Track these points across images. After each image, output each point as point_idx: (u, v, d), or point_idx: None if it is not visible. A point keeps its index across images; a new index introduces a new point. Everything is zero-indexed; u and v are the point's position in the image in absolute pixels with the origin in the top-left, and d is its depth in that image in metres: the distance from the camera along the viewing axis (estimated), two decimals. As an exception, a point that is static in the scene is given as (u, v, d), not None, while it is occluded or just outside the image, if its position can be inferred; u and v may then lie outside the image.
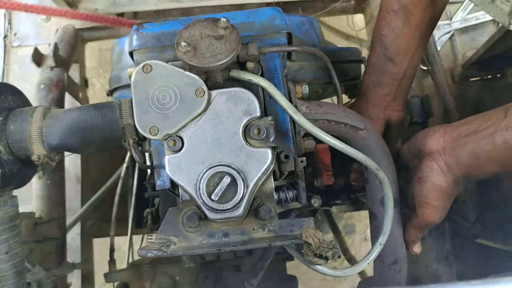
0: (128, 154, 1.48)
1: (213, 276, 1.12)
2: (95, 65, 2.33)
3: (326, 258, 0.74)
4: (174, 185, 0.83)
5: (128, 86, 1.09)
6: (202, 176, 0.70)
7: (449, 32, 1.49)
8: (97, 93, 2.32)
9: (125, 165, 1.43)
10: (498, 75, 1.40)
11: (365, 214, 2.17)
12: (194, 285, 1.12)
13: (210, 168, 0.70)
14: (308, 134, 0.84)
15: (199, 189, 0.70)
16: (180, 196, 0.78)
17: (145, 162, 0.84)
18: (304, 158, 0.81)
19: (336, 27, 1.86)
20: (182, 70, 0.72)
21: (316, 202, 0.96)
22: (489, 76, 1.42)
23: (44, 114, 0.85)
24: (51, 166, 0.88)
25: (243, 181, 0.70)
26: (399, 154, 0.91)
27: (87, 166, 1.51)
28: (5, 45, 1.50)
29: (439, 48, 1.42)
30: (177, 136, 0.71)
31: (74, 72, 1.47)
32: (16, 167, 0.88)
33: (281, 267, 1.20)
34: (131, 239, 1.41)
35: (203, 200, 0.70)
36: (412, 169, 0.87)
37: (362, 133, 0.85)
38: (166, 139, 0.71)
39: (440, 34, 1.48)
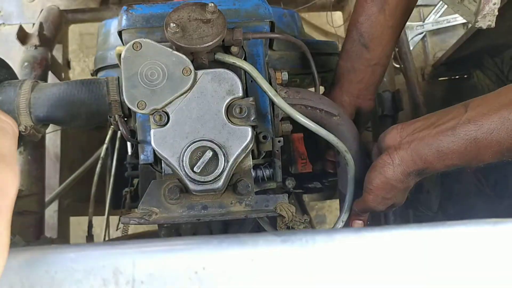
0: (108, 135, 1.50)
1: (189, 254, 1.16)
2: (75, 48, 2.33)
3: (298, 232, 0.79)
4: (156, 160, 0.87)
5: (113, 66, 1.12)
6: (186, 150, 0.74)
7: (422, 33, 1.57)
8: (76, 77, 2.32)
9: (104, 146, 1.46)
10: (465, 76, 1.49)
11: (335, 205, 2.24)
12: (169, 262, 1.16)
13: (194, 142, 0.75)
14: (285, 118, 0.90)
15: (182, 161, 0.74)
16: (163, 170, 0.82)
17: (131, 137, 0.88)
18: (282, 138, 0.87)
19: (315, 23, 1.92)
20: (170, 49, 0.76)
21: (290, 183, 1.01)
22: (457, 77, 1.50)
23: (32, 87, 0.88)
24: (37, 138, 0.91)
25: (224, 155, 0.75)
26: (372, 153, 0.95)
27: (67, 146, 1.53)
28: (-12, 23, 1.50)
29: (411, 48, 1.50)
30: (163, 111, 0.76)
31: (57, 53, 1.49)
32: (2, 137, 0.90)
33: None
34: (108, 218, 1.43)
35: (185, 172, 0.74)
36: None
37: (336, 119, 0.91)
38: (153, 113, 0.76)
39: (413, 34, 1.56)
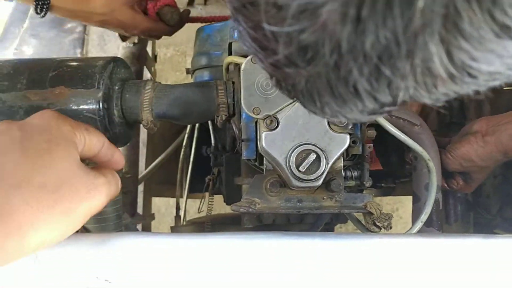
0: (189, 126, 1.65)
1: (266, 238, 1.29)
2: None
3: (380, 228, 0.91)
4: (256, 156, 1.00)
5: (206, 67, 1.25)
6: (293, 151, 0.87)
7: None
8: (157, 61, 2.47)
9: (186, 136, 1.60)
10: (531, 86, 1.55)
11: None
12: (249, 244, 1.30)
13: (300, 145, 0.87)
14: (370, 125, 1.01)
15: (289, 161, 0.87)
16: (265, 166, 0.95)
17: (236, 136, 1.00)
18: (372, 144, 0.98)
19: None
20: (282, 64, 0.88)
21: (368, 182, 1.12)
22: (522, 87, 1.56)
23: (154, 87, 1.02)
24: (153, 130, 1.05)
25: (325, 158, 0.86)
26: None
27: (152, 133, 1.69)
28: (86, 17, 1.66)
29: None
30: (274, 116, 0.88)
31: (147, 48, 1.64)
32: (123, 128, 1.05)
33: (323, 236, 1.37)
34: (186, 201, 1.58)
35: (291, 170, 0.87)
36: None
37: (417, 128, 1.01)
38: (265, 118, 0.88)
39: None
